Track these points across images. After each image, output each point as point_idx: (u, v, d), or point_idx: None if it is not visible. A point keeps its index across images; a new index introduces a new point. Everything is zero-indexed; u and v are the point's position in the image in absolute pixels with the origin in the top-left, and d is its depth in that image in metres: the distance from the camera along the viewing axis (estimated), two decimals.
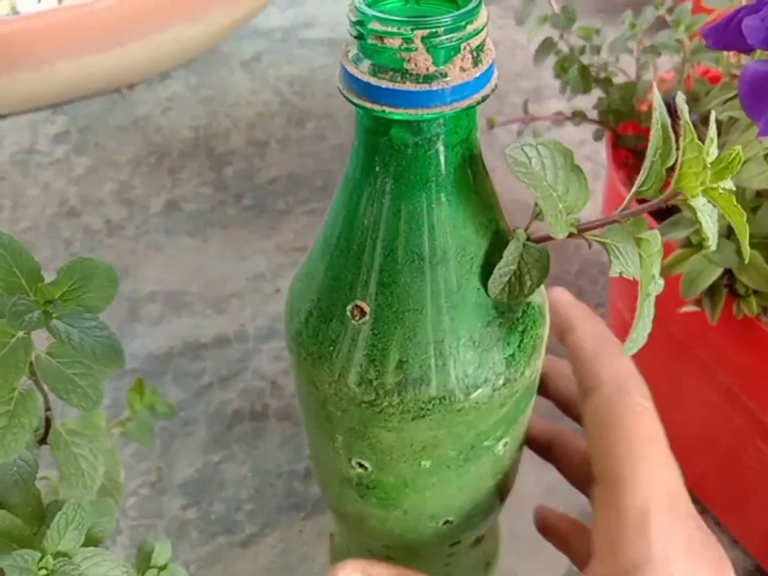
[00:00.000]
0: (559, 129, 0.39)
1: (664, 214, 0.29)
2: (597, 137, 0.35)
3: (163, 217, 0.62)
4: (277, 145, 0.68)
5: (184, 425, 0.47)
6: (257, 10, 0.74)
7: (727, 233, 0.28)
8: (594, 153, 0.63)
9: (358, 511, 0.27)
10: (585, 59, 0.34)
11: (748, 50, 0.26)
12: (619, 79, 0.36)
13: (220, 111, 0.73)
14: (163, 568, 0.29)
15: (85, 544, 0.25)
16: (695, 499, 0.41)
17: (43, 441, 0.28)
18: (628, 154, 0.38)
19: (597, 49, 0.33)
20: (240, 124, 0.71)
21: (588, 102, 0.39)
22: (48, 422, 0.28)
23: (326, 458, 0.26)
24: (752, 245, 0.28)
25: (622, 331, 0.41)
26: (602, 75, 0.34)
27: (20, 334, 0.23)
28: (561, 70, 0.33)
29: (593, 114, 0.35)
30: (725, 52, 0.35)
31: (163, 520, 0.42)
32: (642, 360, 0.40)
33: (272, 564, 0.40)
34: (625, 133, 0.36)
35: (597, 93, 0.37)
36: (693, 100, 0.34)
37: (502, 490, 0.28)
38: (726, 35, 0.26)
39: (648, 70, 0.36)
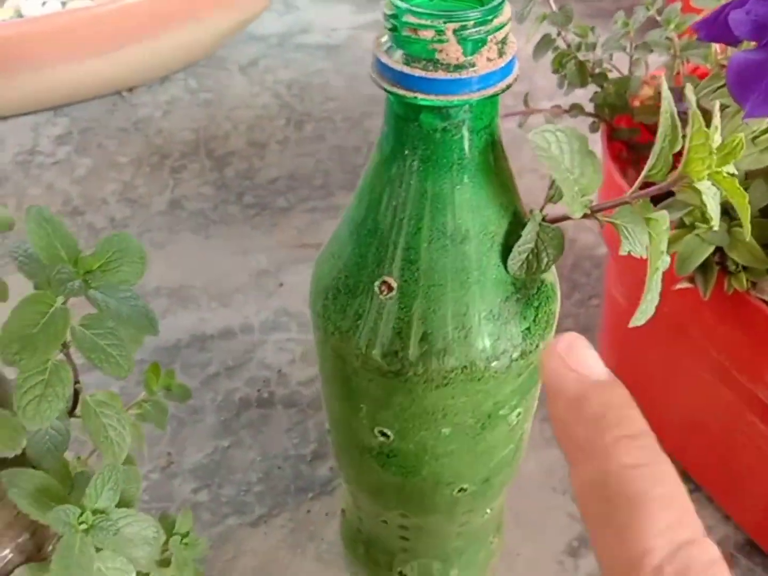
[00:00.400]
0: (557, 122, 0.41)
1: (658, 197, 0.30)
2: (593, 129, 0.37)
3: (166, 216, 0.63)
4: (276, 146, 0.70)
5: (192, 413, 0.48)
6: (257, 13, 0.76)
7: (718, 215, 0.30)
8: None
9: (377, 480, 0.28)
10: (581, 55, 0.36)
11: (736, 42, 0.28)
12: (612, 75, 0.38)
13: (219, 113, 0.74)
14: (185, 535, 0.31)
15: (117, 506, 0.26)
16: (688, 478, 0.43)
17: (71, 412, 0.29)
18: (621, 146, 0.40)
19: (592, 46, 0.35)
20: (239, 126, 0.72)
21: (581, 99, 0.41)
22: (76, 394, 0.29)
23: (348, 429, 0.27)
24: (741, 224, 0.30)
25: (618, 317, 0.43)
26: (597, 70, 0.36)
27: (58, 304, 0.24)
28: (559, 65, 0.35)
29: (589, 107, 0.37)
30: (713, 49, 0.38)
31: (175, 503, 0.43)
32: (637, 343, 0.42)
33: (282, 543, 0.42)
34: (619, 126, 0.38)
35: (592, 89, 0.39)
36: (683, 94, 0.36)
37: (512, 462, 0.30)
38: (715, 28, 0.28)
39: (640, 66, 0.38)
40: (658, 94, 0.40)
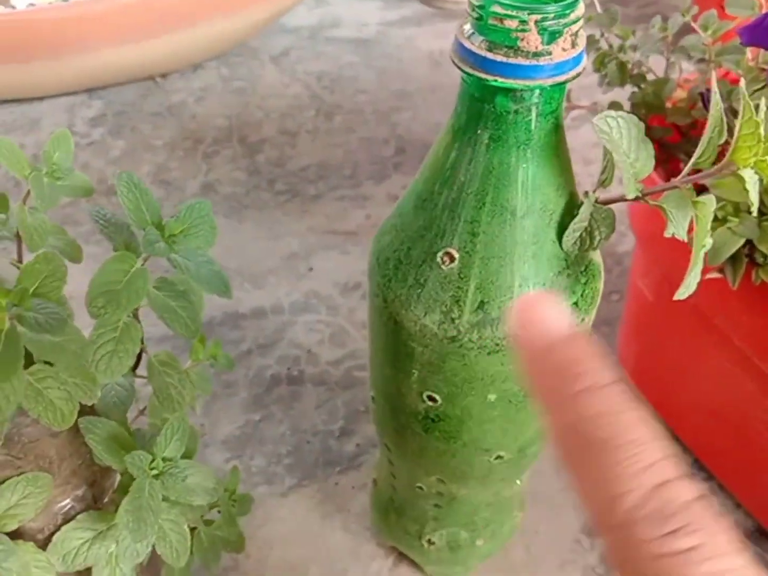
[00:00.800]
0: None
1: None
2: None
3: (199, 199, 0.65)
4: (307, 135, 0.72)
5: (225, 387, 0.50)
6: (290, 6, 0.78)
7: (749, 209, 0.32)
8: None
9: (419, 444, 0.30)
10: (621, 56, 0.37)
11: None
12: (649, 77, 0.40)
13: (251, 102, 0.76)
14: (233, 492, 0.33)
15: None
16: (701, 467, 0.45)
17: (133, 370, 0.31)
18: (653, 145, 0.42)
19: (633, 48, 0.37)
20: (271, 115, 0.74)
21: (610, 98, 0.43)
22: (139, 354, 0.31)
23: (396, 394, 0.29)
24: None
25: (643, 308, 0.45)
26: (636, 71, 0.38)
27: (138, 264, 0.26)
28: (600, 64, 0.37)
29: (626, 106, 0.39)
30: (746, 56, 0.39)
31: None
32: (660, 334, 0.44)
33: (311, 512, 0.44)
34: (653, 125, 0.40)
35: (628, 89, 0.41)
36: (723, 95, 0.38)
37: (545, 434, 0.31)
38: (758, 33, 0.29)
39: (675, 69, 0.40)
40: (690, 97, 0.42)
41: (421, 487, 0.33)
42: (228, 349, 0.52)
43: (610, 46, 0.37)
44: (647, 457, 0.15)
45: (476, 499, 0.34)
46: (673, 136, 0.42)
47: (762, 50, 0.40)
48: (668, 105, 0.42)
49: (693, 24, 0.41)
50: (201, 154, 0.70)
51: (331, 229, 0.62)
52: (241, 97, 0.77)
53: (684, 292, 0.23)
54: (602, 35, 0.37)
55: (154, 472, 0.26)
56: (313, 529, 0.43)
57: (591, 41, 0.37)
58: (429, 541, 0.37)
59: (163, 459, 0.26)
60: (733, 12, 0.39)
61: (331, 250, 0.60)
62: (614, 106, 0.37)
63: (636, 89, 0.38)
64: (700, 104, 0.40)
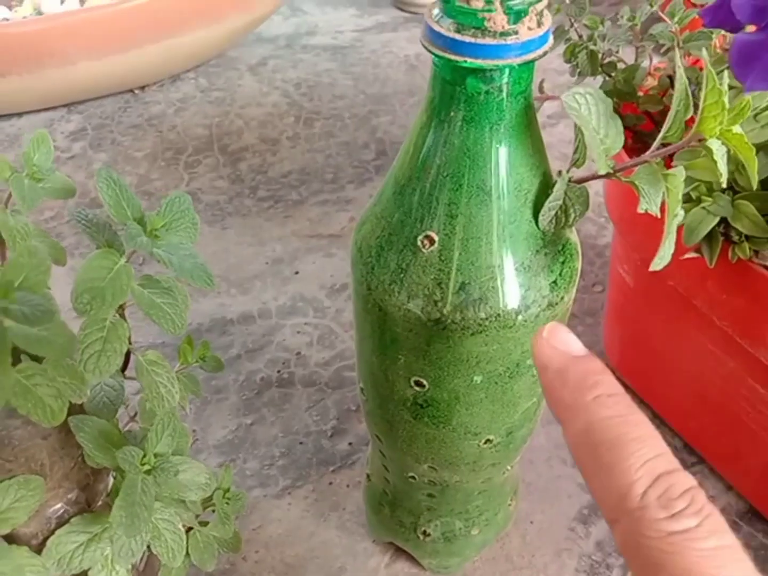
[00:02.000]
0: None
1: None
2: None
3: None
4: (287, 142, 0.72)
5: (216, 392, 0.50)
6: (268, 14, 0.78)
7: (722, 188, 0.33)
8: None
9: (409, 432, 0.30)
10: (591, 46, 0.38)
11: (738, 27, 0.31)
12: (620, 66, 0.41)
13: (231, 111, 0.76)
14: (227, 490, 0.33)
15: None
16: (691, 451, 0.46)
17: (123, 371, 0.31)
18: (627, 134, 0.42)
19: (602, 37, 0.38)
20: (251, 123, 0.75)
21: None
22: (128, 354, 0.31)
23: (384, 383, 0.29)
24: (744, 196, 0.32)
25: (624, 295, 0.46)
26: (607, 60, 0.39)
27: (122, 261, 0.26)
28: (571, 54, 0.38)
29: None
30: (713, 42, 0.40)
31: None
32: (642, 319, 0.44)
33: (306, 512, 0.44)
34: (626, 113, 0.41)
35: (600, 81, 0.42)
36: (691, 79, 0.39)
37: (533, 417, 0.32)
38: (720, 14, 0.30)
39: (645, 57, 0.41)
40: (661, 85, 0.43)
41: (413, 477, 0.34)
42: (217, 354, 0.52)
43: (580, 36, 0.38)
44: (651, 451, 0.18)
45: (469, 487, 0.34)
46: (646, 124, 0.43)
47: (728, 36, 0.41)
48: (640, 93, 0.42)
49: (660, 13, 0.42)
50: (182, 164, 0.70)
51: (315, 232, 0.63)
52: (220, 106, 0.77)
53: (659, 262, 0.23)
54: (572, 25, 0.38)
55: (146, 467, 0.26)
56: (309, 528, 0.43)
57: (560, 32, 0.37)
58: (424, 533, 0.37)
59: (155, 455, 0.26)
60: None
61: (315, 254, 0.61)
62: None
63: (608, 78, 0.39)
64: (671, 91, 0.41)
